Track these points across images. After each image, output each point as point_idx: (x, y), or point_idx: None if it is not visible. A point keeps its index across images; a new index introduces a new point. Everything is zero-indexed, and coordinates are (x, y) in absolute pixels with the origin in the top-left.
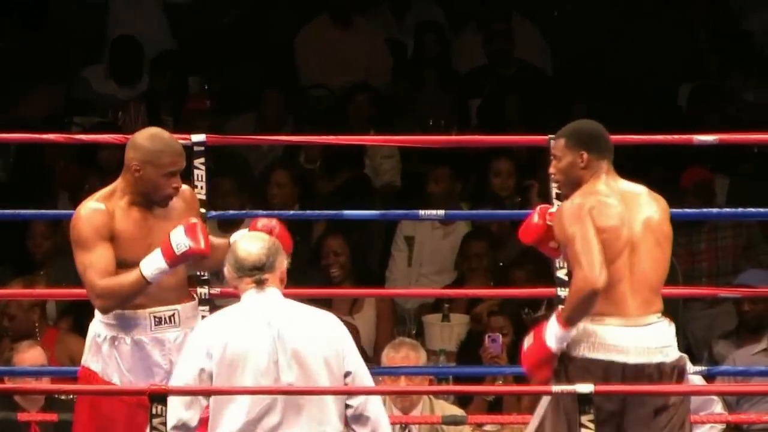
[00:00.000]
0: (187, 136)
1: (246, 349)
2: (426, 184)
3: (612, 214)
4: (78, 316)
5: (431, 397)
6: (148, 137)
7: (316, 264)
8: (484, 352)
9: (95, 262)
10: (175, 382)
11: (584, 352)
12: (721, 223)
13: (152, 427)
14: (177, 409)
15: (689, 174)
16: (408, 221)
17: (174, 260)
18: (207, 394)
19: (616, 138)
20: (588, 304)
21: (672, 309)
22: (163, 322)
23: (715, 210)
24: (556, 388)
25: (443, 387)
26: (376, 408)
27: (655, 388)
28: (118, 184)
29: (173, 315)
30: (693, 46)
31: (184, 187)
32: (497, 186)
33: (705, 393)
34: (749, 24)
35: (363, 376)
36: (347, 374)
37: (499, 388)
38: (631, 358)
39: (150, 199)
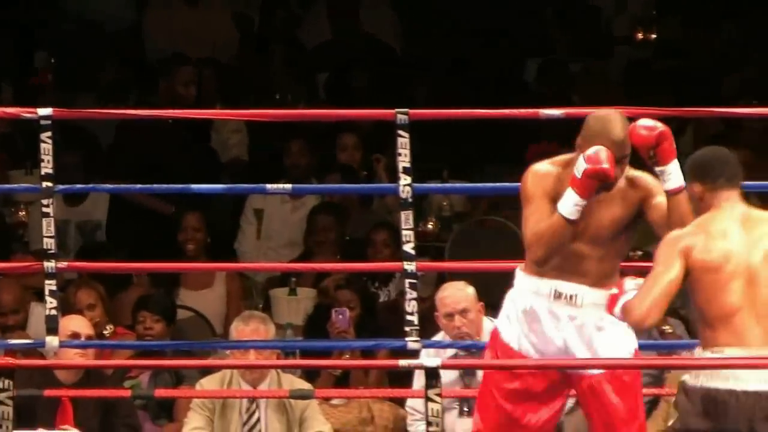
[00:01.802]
0: (33, 110)
1: None
2: (277, 157)
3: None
4: None
5: (279, 371)
6: (595, 117)
7: (169, 239)
8: (332, 327)
9: (530, 216)
10: None
11: (702, 381)
12: None
13: None
14: None
15: (535, 148)
16: (257, 194)
17: (577, 185)
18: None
19: (463, 112)
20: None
21: None
22: (562, 298)
23: None
24: (402, 362)
25: (291, 361)
26: None
27: (499, 362)
28: (575, 156)
29: (575, 295)
30: (540, 22)
31: (639, 174)
32: (343, 160)
33: (552, 367)
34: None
35: None
36: None
37: (346, 362)
38: (750, 386)
39: None
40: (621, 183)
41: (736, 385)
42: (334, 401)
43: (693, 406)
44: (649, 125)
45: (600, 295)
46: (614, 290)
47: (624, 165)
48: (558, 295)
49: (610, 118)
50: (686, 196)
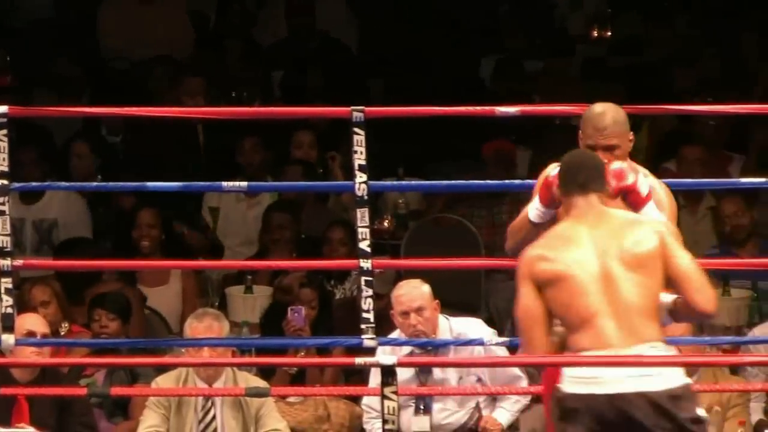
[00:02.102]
0: None
1: None
2: (233, 155)
3: None
4: None
5: (235, 369)
6: (591, 106)
7: (124, 236)
8: (287, 325)
9: (522, 209)
10: None
11: (568, 387)
12: (524, 194)
13: None
14: None
15: (490, 145)
16: (213, 192)
17: (539, 190)
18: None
19: (419, 110)
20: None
21: (474, 280)
22: None
23: (517, 181)
24: (359, 359)
25: (246, 359)
26: None
27: (455, 360)
28: None
29: None
30: (495, 20)
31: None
32: (299, 158)
33: (510, 365)
34: None
35: None
36: None
37: (302, 360)
38: (611, 388)
39: None
40: None
41: (599, 389)
42: (290, 399)
43: (562, 413)
44: (616, 174)
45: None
46: None
47: (613, 155)
48: None
49: (601, 107)
50: None
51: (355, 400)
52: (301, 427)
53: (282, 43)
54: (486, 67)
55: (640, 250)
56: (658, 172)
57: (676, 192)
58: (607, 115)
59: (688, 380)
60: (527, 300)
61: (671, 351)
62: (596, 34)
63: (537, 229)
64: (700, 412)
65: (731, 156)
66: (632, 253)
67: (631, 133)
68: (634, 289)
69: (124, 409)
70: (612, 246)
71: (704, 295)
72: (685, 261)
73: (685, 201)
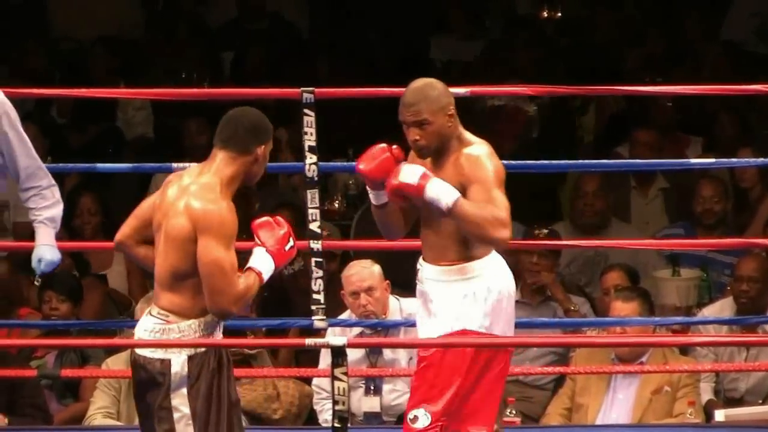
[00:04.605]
0: None
1: None
2: (180, 136)
3: None
4: None
5: None
6: None
7: (69, 218)
8: None
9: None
10: None
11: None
12: None
13: None
14: None
15: None
16: (163, 173)
17: None
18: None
19: (369, 90)
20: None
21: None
22: (419, 272)
23: None
24: (309, 340)
25: (193, 340)
26: None
27: (405, 341)
28: None
29: (420, 269)
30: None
31: (471, 152)
32: None
33: (459, 346)
34: None
35: None
36: None
37: (254, 341)
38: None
39: None
40: (453, 154)
41: None
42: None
43: None
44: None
45: (434, 270)
46: (453, 267)
47: (424, 131)
48: (418, 269)
49: (413, 83)
50: (460, 210)
51: (306, 379)
52: (250, 407)
53: (232, 23)
54: (435, 48)
55: (170, 226)
56: (610, 156)
57: (627, 174)
58: (412, 91)
59: (169, 357)
60: None
61: (173, 326)
62: (546, 15)
63: (384, 210)
64: (178, 403)
65: (689, 138)
66: (168, 224)
67: (451, 108)
68: (159, 259)
69: (74, 391)
70: (170, 208)
71: (212, 299)
72: (204, 259)
73: (636, 182)
